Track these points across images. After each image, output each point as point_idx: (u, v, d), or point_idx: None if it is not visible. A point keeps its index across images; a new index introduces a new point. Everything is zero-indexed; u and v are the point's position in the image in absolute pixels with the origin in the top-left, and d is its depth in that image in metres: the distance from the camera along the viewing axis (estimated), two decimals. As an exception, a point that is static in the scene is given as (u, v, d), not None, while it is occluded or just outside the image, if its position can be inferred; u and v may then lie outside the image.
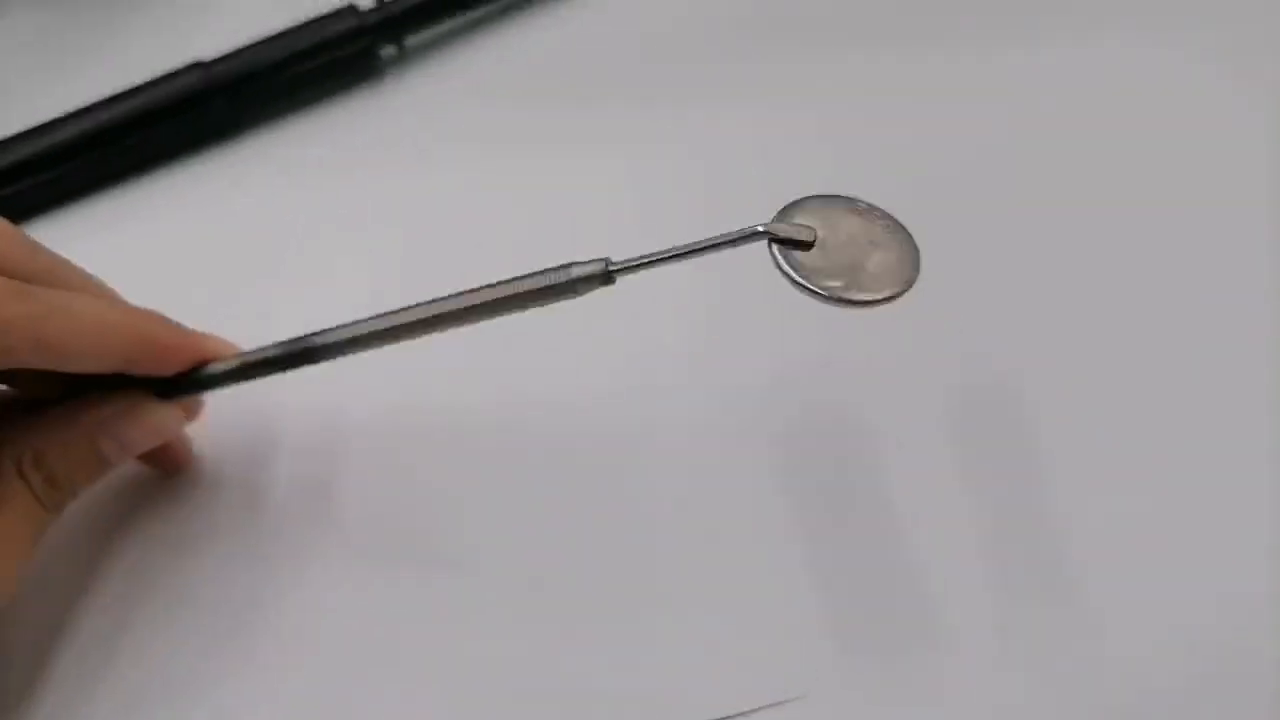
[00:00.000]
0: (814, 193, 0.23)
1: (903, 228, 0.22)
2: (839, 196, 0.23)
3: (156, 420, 0.26)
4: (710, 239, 0.22)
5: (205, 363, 0.26)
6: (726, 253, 0.22)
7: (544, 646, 0.25)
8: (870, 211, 0.22)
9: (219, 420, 0.29)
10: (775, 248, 0.22)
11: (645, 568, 0.26)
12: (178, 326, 0.26)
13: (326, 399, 0.29)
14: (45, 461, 0.24)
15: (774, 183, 0.29)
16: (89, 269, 0.33)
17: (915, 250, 0.22)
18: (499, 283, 0.23)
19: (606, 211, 0.33)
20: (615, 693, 0.24)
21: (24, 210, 0.34)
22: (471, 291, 0.23)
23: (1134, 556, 0.24)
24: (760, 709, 0.23)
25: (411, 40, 0.38)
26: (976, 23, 0.36)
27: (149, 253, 0.34)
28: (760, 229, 0.21)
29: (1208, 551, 0.24)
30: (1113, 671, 0.23)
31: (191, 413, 0.28)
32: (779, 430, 0.28)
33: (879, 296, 0.21)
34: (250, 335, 0.28)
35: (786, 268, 0.21)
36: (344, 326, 0.25)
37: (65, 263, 0.25)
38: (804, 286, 0.21)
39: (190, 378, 0.26)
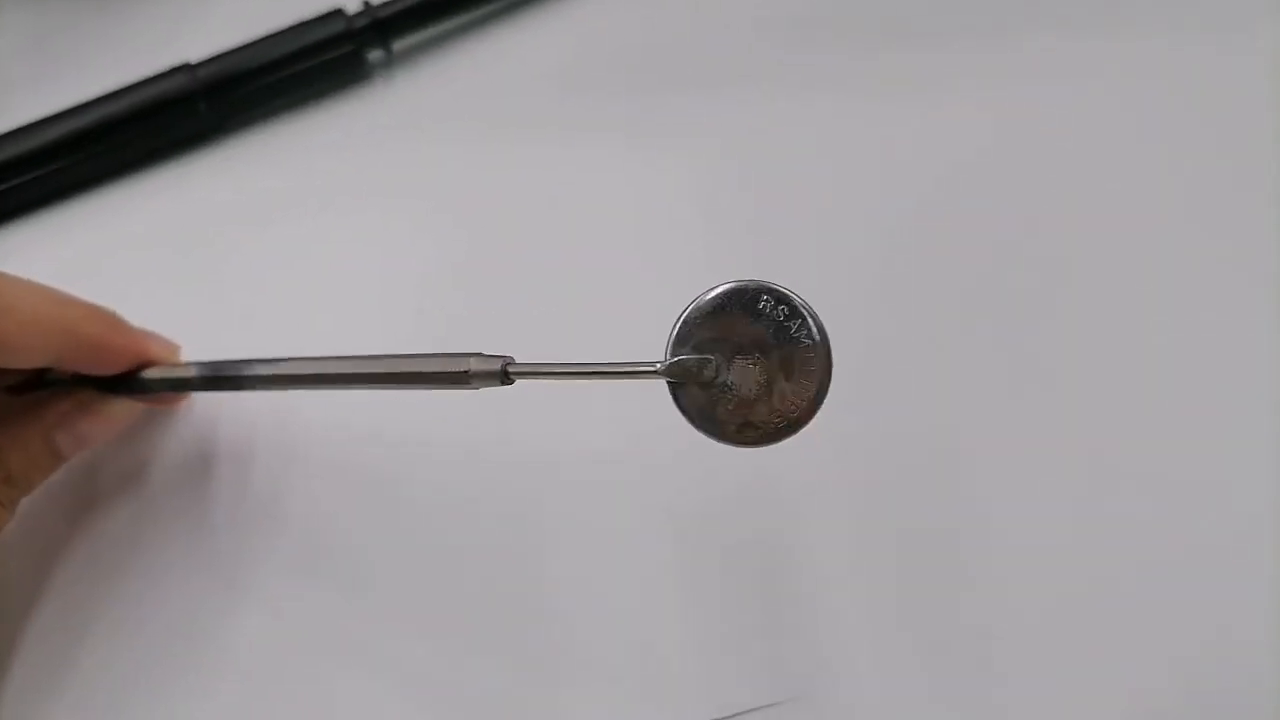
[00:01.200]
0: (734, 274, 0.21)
1: (812, 328, 0.20)
2: (745, 288, 0.21)
3: (111, 414, 0.27)
4: (610, 365, 0.21)
5: (147, 364, 0.27)
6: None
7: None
8: (779, 309, 0.21)
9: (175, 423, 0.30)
10: (672, 387, 0.21)
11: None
12: (120, 324, 0.26)
13: (283, 405, 0.30)
14: (3, 461, 0.25)
15: (754, 187, 0.32)
16: (70, 271, 0.34)
17: (824, 367, 0.20)
18: (399, 356, 0.23)
19: (593, 220, 0.33)
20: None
21: (4, 211, 0.35)
22: (374, 358, 0.24)
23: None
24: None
25: (399, 45, 0.37)
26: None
27: (130, 255, 0.34)
28: (658, 367, 0.21)
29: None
30: None
31: (168, 401, 0.29)
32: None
33: (773, 437, 0.20)
34: (230, 338, 0.28)
35: (682, 408, 0.21)
36: (266, 362, 0.25)
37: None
38: (701, 428, 0.21)
39: (127, 379, 0.27)
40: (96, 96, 0.35)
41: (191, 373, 0.26)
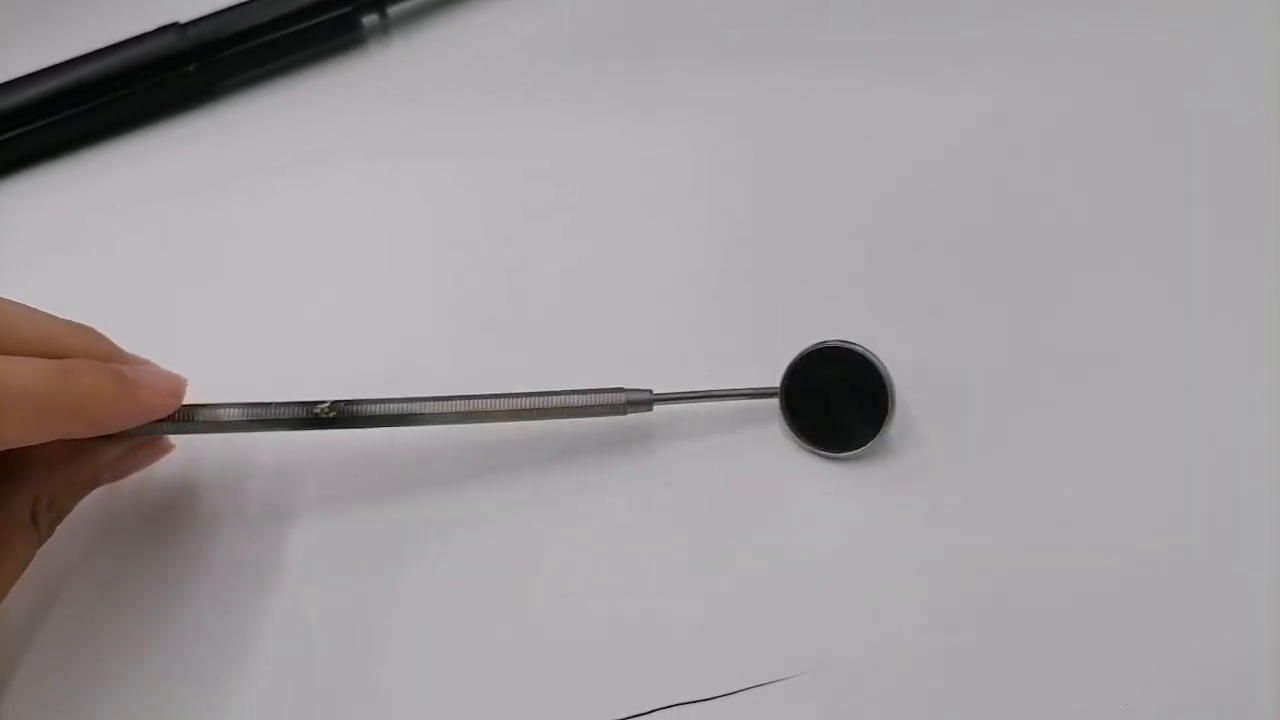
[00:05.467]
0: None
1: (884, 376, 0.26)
2: (837, 345, 0.27)
3: (157, 455, 0.27)
4: (735, 390, 0.27)
5: (147, 419, 0.25)
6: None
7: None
8: (858, 360, 0.27)
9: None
10: (785, 408, 0.27)
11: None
12: (117, 380, 0.24)
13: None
14: (56, 504, 0.25)
15: (753, 158, 0.33)
16: (56, 229, 0.33)
17: (890, 403, 0.26)
18: (555, 393, 0.26)
19: (590, 189, 0.33)
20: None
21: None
22: (530, 395, 0.26)
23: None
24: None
25: (394, 9, 0.36)
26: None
27: (117, 215, 0.34)
28: (776, 392, 0.27)
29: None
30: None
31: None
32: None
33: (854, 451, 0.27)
34: (222, 311, 0.28)
35: (787, 426, 0.27)
36: (415, 401, 0.26)
37: (16, 318, 0.24)
38: (803, 446, 0.27)
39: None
40: (82, 54, 0.34)
41: (297, 413, 0.25)
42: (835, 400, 0.27)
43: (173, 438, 0.27)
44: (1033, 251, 0.30)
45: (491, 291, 0.31)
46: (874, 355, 0.26)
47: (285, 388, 0.26)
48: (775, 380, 0.27)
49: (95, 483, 0.26)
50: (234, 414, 0.25)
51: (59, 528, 0.25)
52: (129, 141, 0.35)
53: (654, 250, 0.31)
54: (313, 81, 0.36)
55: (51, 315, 0.24)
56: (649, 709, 0.24)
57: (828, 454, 0.27)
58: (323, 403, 0.25)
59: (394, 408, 0.25)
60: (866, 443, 0.26)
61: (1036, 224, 0.31)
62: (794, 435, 0.27)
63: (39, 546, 0.25)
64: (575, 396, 0.26)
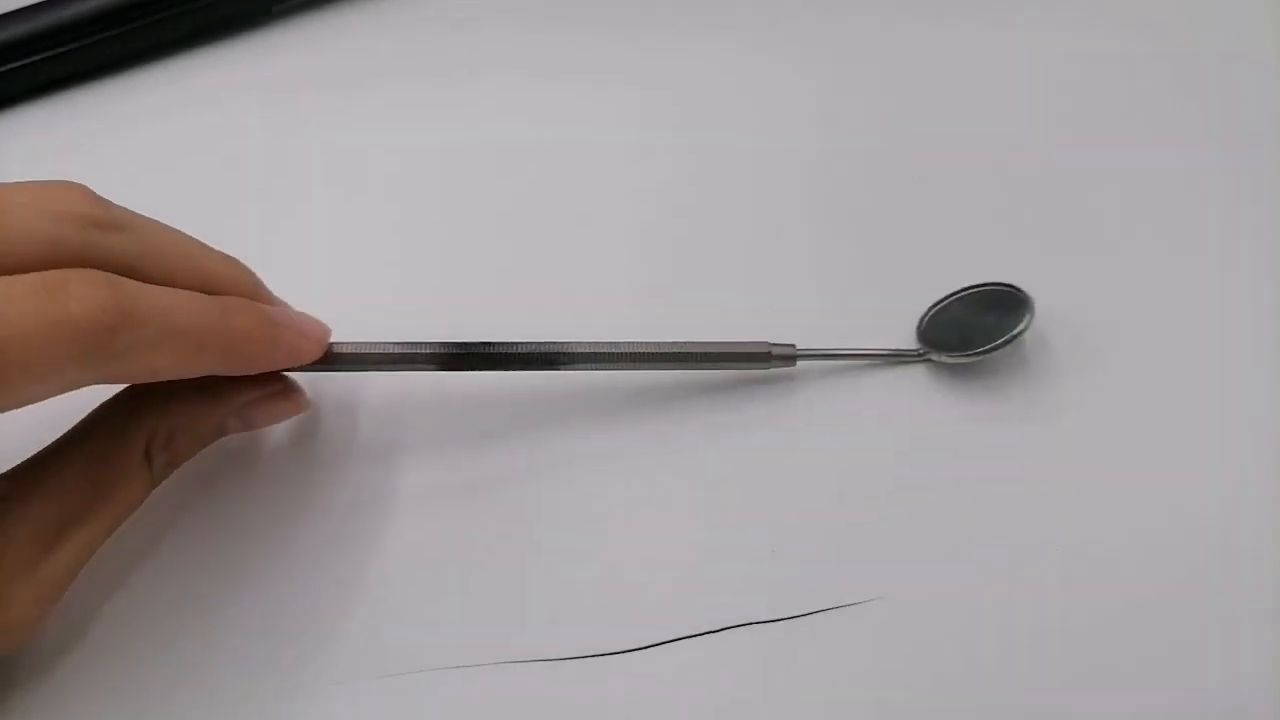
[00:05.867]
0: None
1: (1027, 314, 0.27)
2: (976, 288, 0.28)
3: (289, 408, 0.26)
4: (875, 350, 0.27)
5: (292, 363, 0.25)
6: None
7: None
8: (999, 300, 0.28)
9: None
10: (926, 365, 0.27)
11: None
12: (265, 322, 0.24)
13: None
14: (173, 443, 0.24)
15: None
16: (69, 164, 0.33)
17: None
18: (695, 343, 0.26)
19: (710, 124, 0.33)
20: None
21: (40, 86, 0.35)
22: (680, 343, 0.26)
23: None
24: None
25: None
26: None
27: (175, 135, 0.34)
28: (917, 352, 0.27)
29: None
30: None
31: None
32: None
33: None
34: (251, 233, 0.26)
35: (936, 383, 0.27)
36: (565, 345, 0.26)
37: (169, 245, 0.23)
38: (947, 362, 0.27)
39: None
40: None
41: (441, 352, 0.25)
42: (975, 330, 0.27)
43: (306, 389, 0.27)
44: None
45: (608, 239, 0.31)
46: (1006, 282, 0.27)
47: (360, 325, 0.26)
48: (911, 330, 0.28)
49: (220, 431, 0.25)
50: (379, 352, 0.25)
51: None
52: (188, 59, 0.36)
53: (778, 198, 0.31)
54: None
55: (201, 243, 0.24)
56: (719, 627, 0.24)
57: (962, 358, 0.27)
58: (469, 343, 0.25)
59: (542, 348, 0.26)
60: (1004, 338, 0.27)
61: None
62: (933, 361, 0.27)
63: (151, 489, 0.24)
64: (721, 346, 0.26)
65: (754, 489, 0.26)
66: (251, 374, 0.24)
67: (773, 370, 0.27)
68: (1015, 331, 0.26)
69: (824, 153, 0.32)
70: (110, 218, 0.21)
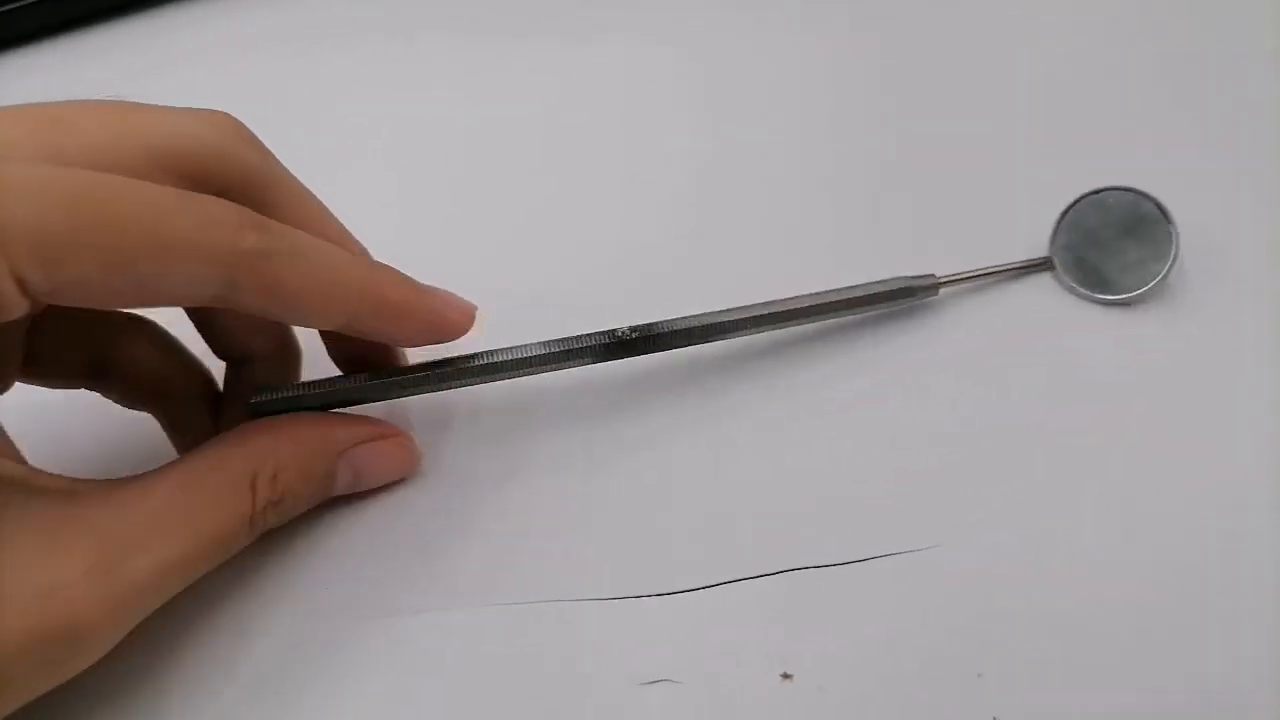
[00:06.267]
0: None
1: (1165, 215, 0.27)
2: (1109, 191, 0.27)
3: (402, 454, 0.25)
4: (1008, 264, 0.28)
5: (438, 332, 0.24)
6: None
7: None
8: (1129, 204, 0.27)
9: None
10: (1058, 273, 0.27)
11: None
12: (411, 283, 0.23)
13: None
14: (280, 481, 0.22)
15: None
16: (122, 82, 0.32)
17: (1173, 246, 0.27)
18: (839, 289, 0.26)
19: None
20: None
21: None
22: (810, 295, 0.26)
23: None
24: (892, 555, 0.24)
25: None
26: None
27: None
28: (1048, 259, 0.27)
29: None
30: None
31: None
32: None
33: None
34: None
35: (1067, 286, 0.27)
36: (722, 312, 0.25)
37: (305, 196, 0.23)
38: (1089, 298, 0.27)
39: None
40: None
41: (599, 341, 0.24)
42: (1111, 248, 0.27)
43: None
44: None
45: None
46: (1147, 194, 0.27)
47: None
48: (1043, 239, 0.28)
49: (328, 480, 0.24)
50: (536, 350, 0.24)
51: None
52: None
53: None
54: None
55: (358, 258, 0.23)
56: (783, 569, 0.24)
57: (1104, 298, 0.27)
58: (621, 328, 0.24)
59: (695, 322, 0.25)
60: (1149, 283, 0.27)
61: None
62: (1075, 289, 0.27)
63: (253, 531, 0.22)
64: (865, 288, 0.26)
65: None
66: (398, 340, 0.23)
67: (905, 306, 0.27)
68: (1162, 273, 0.26)
69: (915, 71, 0.32)
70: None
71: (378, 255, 0.24)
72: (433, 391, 0.24)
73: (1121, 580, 0.23)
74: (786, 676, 0.22)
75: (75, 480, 0.20)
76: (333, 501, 0.25)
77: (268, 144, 0.22)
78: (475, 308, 0.24)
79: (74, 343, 0.23)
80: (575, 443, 0.26)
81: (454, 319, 0.23)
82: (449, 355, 0.24)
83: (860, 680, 0.22)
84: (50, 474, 0.21)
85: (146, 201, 0.18)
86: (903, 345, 0.27)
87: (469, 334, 0.24)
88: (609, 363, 0.25)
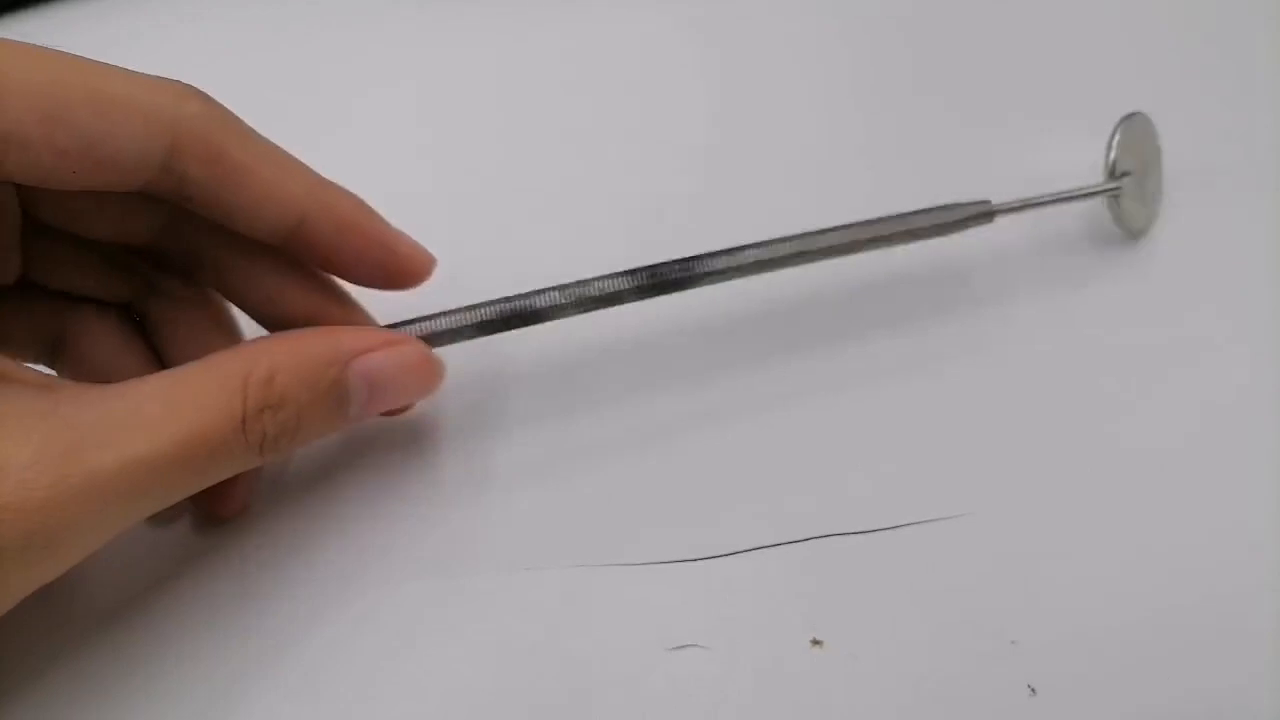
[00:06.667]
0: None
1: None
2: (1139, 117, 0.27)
3: (422, 363, 0.22)
4: (1074, 190, 0.26)
5: (396, 270, 0.22)
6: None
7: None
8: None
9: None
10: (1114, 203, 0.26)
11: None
12: (366, 205, 0.22)
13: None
14: (277, 384, 0.19)
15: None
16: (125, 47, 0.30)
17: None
18: (886, 218, 0.24)
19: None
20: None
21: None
22: (857, 225, 0.24)
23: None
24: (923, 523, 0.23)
25: None
26: None
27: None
28: (1116, 186, 0.26)
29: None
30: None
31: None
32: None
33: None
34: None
35: (1117, 216, 0.27)
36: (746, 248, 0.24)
37: (283, 155, 0.21)
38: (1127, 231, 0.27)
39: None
40: None
41: (627, 284, 0.23)
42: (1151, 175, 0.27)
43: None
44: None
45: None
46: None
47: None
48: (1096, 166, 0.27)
49: (340, 406, 0.21)
50: (554, 298, 0.22)
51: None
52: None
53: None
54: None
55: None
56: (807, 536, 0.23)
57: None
58: (650, 268, 0.23)
59: (737, 258, 0.23)
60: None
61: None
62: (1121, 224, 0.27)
63: (248, 447, 0.19)
64: (915, 218, 0.24)
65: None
66: (348, 267, 0.22)
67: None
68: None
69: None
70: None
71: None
72: (501, 331, 0.22)
73: (1158, 548, 0.22)
74: (816, 643, 0.22)
75: (57, 379, 0.19)
76: (354, 456, 0.24)
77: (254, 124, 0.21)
78: (435, 260, 0.22)
79: (34, 321, 0.22)
80: (607, 406, 0.25)
81: (406, 252, 0.22)
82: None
83: (891, 647, 0.22)
84: (33, 370, 0.19)
85: (85, 62, 0.18)
86: (945, 300, 0.26)
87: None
88: (647, 325, 0.24)
